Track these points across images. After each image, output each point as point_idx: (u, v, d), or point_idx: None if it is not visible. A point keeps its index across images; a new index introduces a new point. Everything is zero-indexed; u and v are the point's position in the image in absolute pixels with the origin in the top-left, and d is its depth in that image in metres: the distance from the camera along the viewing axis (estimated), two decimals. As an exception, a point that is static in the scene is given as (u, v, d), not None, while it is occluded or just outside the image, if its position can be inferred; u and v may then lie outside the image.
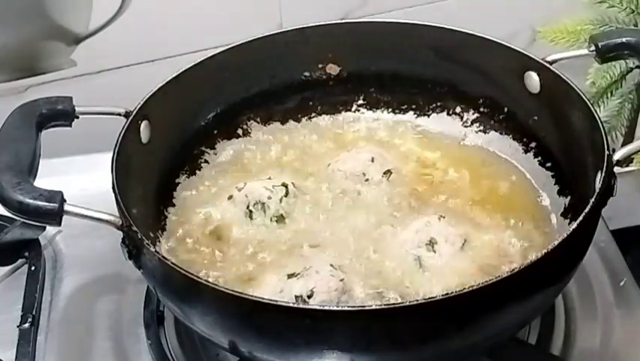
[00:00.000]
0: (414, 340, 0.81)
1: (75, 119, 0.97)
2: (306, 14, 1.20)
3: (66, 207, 0.84)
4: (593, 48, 1.00)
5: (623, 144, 1.20)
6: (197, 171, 1.08)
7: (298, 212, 0.99)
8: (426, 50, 1.10)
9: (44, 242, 1.13)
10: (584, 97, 0.95)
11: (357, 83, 1.14)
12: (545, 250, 0.80)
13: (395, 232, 0.97)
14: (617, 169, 0.88)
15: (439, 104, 1.13)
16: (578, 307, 1.01)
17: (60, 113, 0.96)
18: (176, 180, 1.06)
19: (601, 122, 0.92)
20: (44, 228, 1.10)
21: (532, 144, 1.07)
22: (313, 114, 1.15)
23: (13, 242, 1.11)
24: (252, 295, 0.81)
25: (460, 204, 1.00)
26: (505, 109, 1.09)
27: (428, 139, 1.11)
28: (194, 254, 0.97)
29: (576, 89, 0.96)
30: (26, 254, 1.11)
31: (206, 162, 1.09)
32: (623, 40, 1.00)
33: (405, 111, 1.15)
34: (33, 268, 1.09)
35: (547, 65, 1.00)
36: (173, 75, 1.02)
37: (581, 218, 0.83)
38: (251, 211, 0.99)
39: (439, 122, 1.13)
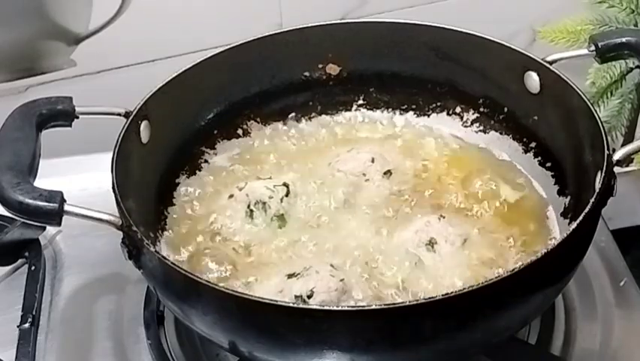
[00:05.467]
0: (414, 340, 0.81)
1: (75, 119, 0.96)
2: (306, 14, 1.20)
3: (66, 207, 0.84)
4: (593, 48, 1.00)
5: (623, 144, 1.20)
6: (197, 171, 1.08)
7: (299, 212, 0.99)
8: (426, 50, 1.10)
9: (44, 242, 1.13)
10: (584, 97, 0.95)
11: (357, 83, 1.14)
12: (545, 250, 0.80)
13: (395, 232, 0.97)
14: (617, 169, 0.88)
15: (439, 104, 1.13)
16: (578, 307, 1.01)
17: (60, 113, 0.96)
18: (176, 180, 1.06)
19: (601, 122, 0.92)
20: (44, 228, 1.10)
21: (532, 144, 1.07)
22: (313, 114, 1.15)
23: (13, 242, 1.11)
24: (252, 295, 0.81)
25: (460, 204, 1.00)
26: (505, 109, 1.09)
27: (428, 139, 1.11)
28: (194, 254, 0.97)
29: (576, 89, 0.96)
30: (26, 254, 1.11)
31: (206, 162, 1.09)
32: (623, 40, 1.00)
33: (405, 111, 1.15)
34: (33, 268, 1.08)
35: (547, 65, 1.00)
36: (173, 75, 1.02)
37: (581, 218, 0.83)
38: (252, 211, 0.99)
39: (439, 122, 1.13)
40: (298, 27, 1.10)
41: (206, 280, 0.81)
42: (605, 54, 1.00)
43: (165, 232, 1.00)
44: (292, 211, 0.99)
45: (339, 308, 0.81)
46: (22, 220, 0.86)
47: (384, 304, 0.83)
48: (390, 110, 1.15)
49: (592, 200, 0.85)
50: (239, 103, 1.11)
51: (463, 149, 1.09)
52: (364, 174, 1.04)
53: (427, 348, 0.82)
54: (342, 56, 1.13)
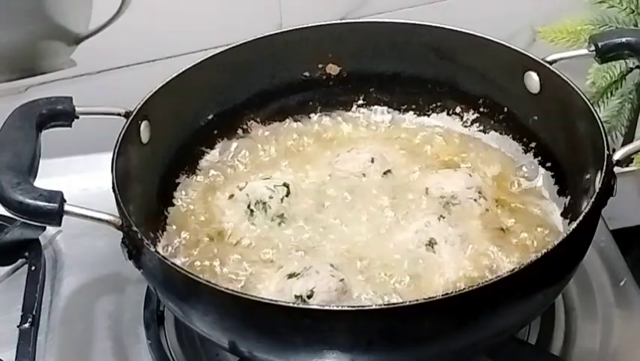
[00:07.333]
0: (414, 340, 0.81)
1: (75, 119, 0.97)
2: (306, 14, 1.20)
3: (66, 207, 0.84)
4: (593, 48, 1.00)
5: (623, 144, 1.20)
6: (197, 171, 1.08)
7: (299, 212, 0.99)
8: (426, 50, 1.10)
9: (44, 242, 1.13)
10: (583, 97, 0.95)
11: (357, 83, 1.14)
12: (545, 250, 0.80)
13: (395, 232, 0.97)
14: (617, 169, 0.88)
15: (439, 104, 1.13)
16: (578, 307, 1.01)
17: (60, 113, 0.96)
18: (176, 180, 1.06)
19: (601, 122, 0.92)
20: (44, 228, 1.10)
21: (532, 144, 1.07)
22: (313, 114, 1.15)
23: (13, 242, 1.11)
24: (252, 295, 0.81)
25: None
26: (505, 109, 1.09)
27: (428, 139, 1.11)
28: (194, 254, 0.97)
29: (576, 89, 0.96)
30: (26, 254, 1.11)
31: (206, 162, 1.09)
32: (623, 40, 1.00)
33: (405, 111, 1.15)
34: (33, 268, 1.08)
35: (547, 65, 1.00)
36: (173, 75, 1.02)
37: (581, 218, 0.83)
38: (252, 211, 0.99)
39: (439, 123, 1.13)
40: (298, 27, 1.10)
41: (206, 280, 0.81)
42: (605, 54, 1.00)
43: (165, 232, 1.00)
44: (292, 211, 0.99)
45: (339, 308, 0.81)
46: (22, 220, 0.86)
47: (384, 304, 0.83)
48: (390, 110, 1.15)
49: (592, 200, 0.85)
50: (239, 103, 1.11)
51: (463, 149, 1.09)
52: (364, 174, 1.04)
53: (427, 348, 0.82)
54: (342, 56, 1.13)
